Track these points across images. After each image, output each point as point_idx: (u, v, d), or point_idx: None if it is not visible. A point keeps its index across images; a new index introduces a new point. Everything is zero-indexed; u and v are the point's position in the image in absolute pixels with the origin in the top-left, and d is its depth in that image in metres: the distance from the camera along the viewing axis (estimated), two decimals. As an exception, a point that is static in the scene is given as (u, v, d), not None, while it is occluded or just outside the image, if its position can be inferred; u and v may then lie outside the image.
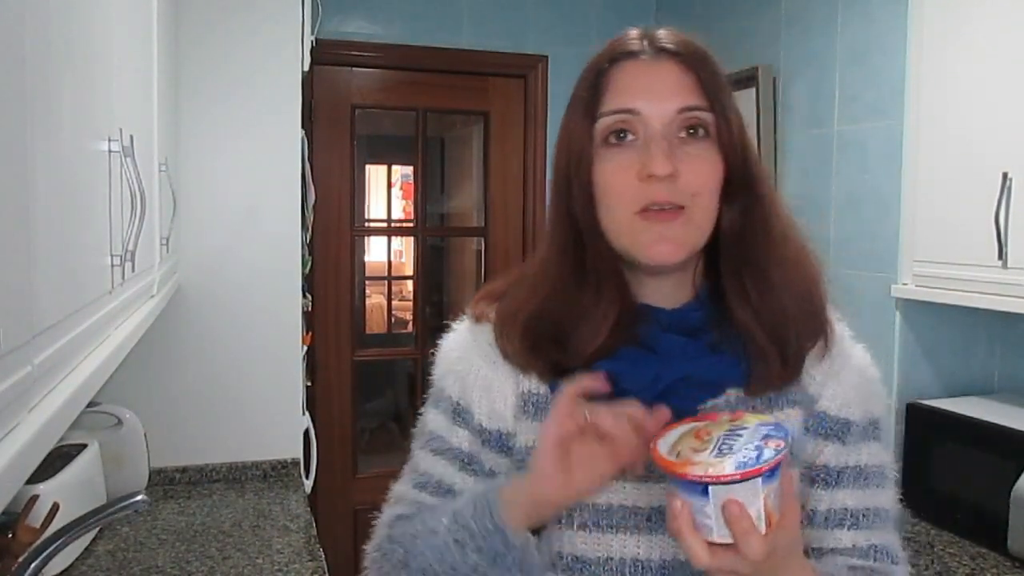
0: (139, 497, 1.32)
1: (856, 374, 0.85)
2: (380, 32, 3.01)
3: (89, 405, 1.20)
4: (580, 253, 0.81)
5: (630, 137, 0.78)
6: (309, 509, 2.05)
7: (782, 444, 0.68)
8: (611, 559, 0.79)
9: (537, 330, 0.82)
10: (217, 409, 2.20)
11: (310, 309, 2.71)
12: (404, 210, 4.00)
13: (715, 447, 0.68)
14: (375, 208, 3.83)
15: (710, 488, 0.65)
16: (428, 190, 3.25)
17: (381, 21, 3.01)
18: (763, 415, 0.73)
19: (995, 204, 1.72)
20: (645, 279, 0.82)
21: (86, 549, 1.73)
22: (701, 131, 0.78)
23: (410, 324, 3.72)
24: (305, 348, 2.45)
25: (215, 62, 2.16)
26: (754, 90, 2.54)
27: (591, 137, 0.79)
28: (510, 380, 0.85)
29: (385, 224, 3.64)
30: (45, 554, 1.26)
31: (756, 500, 0.66)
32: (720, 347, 0.80)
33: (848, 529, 0.82)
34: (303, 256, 2.37)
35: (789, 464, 0.75)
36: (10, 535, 1.42)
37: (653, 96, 0.77)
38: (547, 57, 3.08)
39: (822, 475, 0.82)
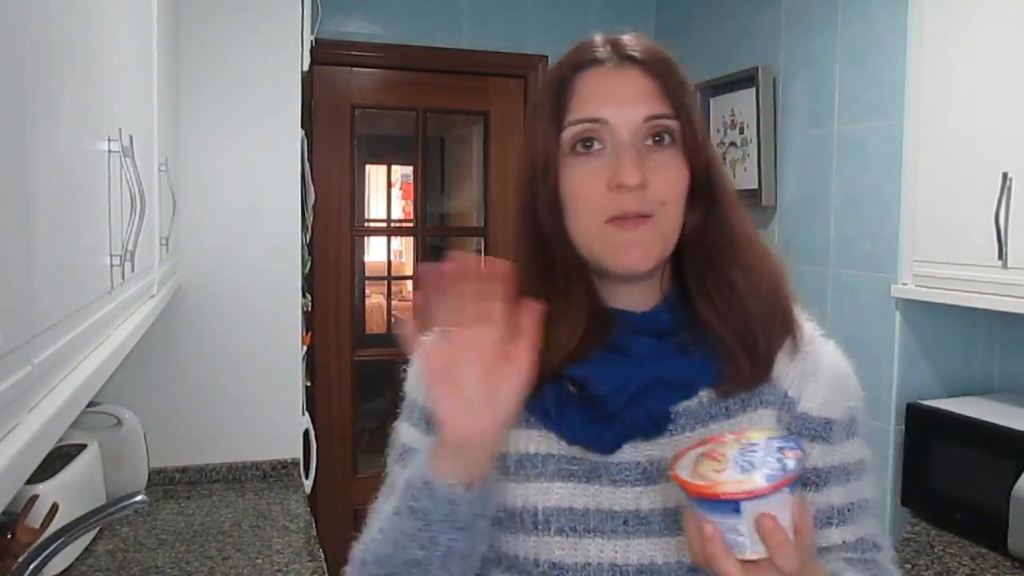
0: (139, 497, 1.32)
1: (831, 372, 0.85)
2: (380, 32, 3.02)
3: (89, 405, 1.20)
4: (546, 261, 0.81)
5: (597, 145, 0.78)
6: (309, 509, 2.05)
7: (800, 453, 0.68)
8: (588, 564, 0.78)
9: None
10: (217, 409, 2.20)
11: (310, 309, 2.71)
12: (404, 210, 4.00)
13: (735, 465, 0.68)
14: (375, 208, 3.84)
15: (743, 504, 0.65)
16: (428, 190, 3.25)
17: (381, 21, 3.01)
18: (767, 430, 0.73)
19: (995, 204, 1.72)
20: (614, 284, 0.82)
21: (86, 549, 1.73)
22: (667, 138, 0.78)
23: (410, 324, 3.69)
24: (305, 348, 2.45)
25: (215, 62, 2.16)
26: (754, 90, 2.54)
27: (557, 146, 0.79)
28: None
29: (385, 224, 3.64)
30: (45, 554, 1.26)
31: (785, 511, 0.66)
32: (690, 348, 0.81)
33: (836, 527, 0.82)
34: (303, 256, 2.37)
35: None
36: (10, 535, 1.42)
37: (620, 104, 0.77)
38: (547, 57, 3.08)
39: (812, 477, 0.82)
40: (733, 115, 2.68)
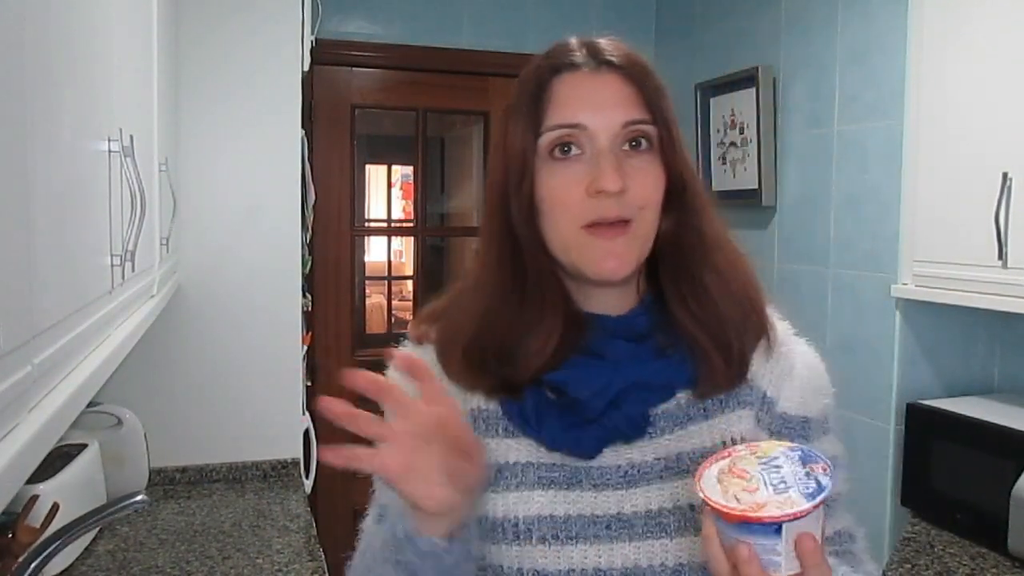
0: (139, 497, 1.32)
1: (806, 370, 0.86)
2: (380, 32, 3.02)
3: (89, 405, 1.20)
4: (519, 266, 0.81)
5: (575, 150, 0.78)
6: (309, 509, 2.06)
7: (827, 466, 0.69)
8: (572, 571, 0.78)
9: (480, 349, 0.81)
10: (217, 409, 2.20)
11: (310, 309, 2.71)
12: (404, 210, 4.00)
13: (766, 484, 0.68)
14: (375, 208, 3.84)
15: (784, 526, 0.65)
16: (428, 190, 3.25)
17: (381, 21, 3.01)
18: (780, 443, 0.73)
19: (995, 204, 1.72)
20: (589, 288, 0.82)
21: (86, 549, 1.74)
22: (644, 143, 0.79)
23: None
24: (305, 348, 2.45)
25: (215, 62, 2.16)
26: (754, 90, 2.54)
27: (534, 150, 0.78)
28: (458, 399, 0.83)
29: (385, 224, 3.64)
30: (45, 554, 1.26)
31: (818, 527, 0.67)
32: (667, 351, 0.81)
33: None
34: (303, 256, 2.37)
35: None
36: (10, 535, 1.42)
37: (598, 110, 0.77)
38: (547, 57, 3.08)
39: None
40: (733, 115, 2.68)
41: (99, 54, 1.04)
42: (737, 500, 0.67)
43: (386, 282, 3.59)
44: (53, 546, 1.27)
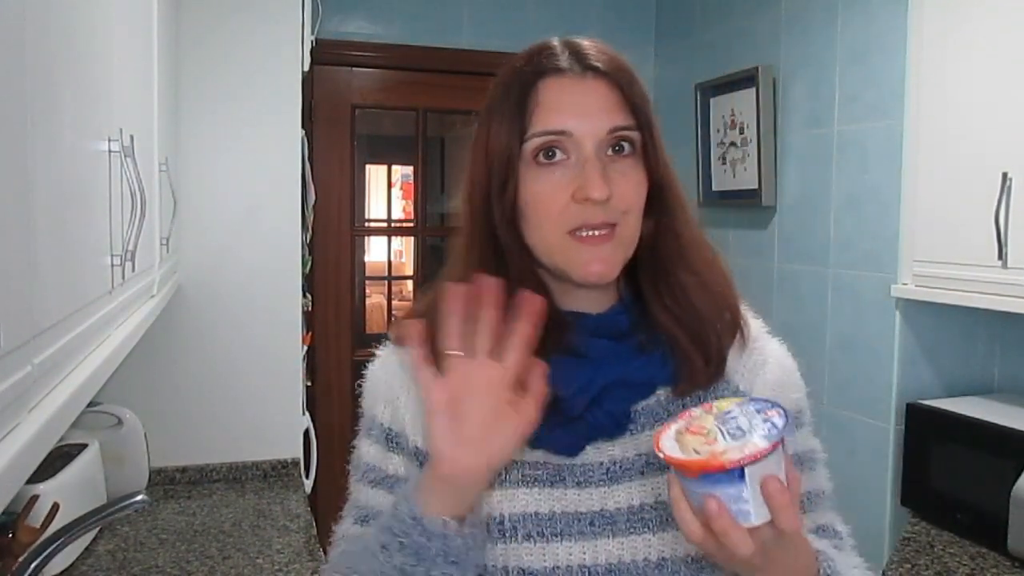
0: (139, 497, 1.32)
1: (778, 367, 0.87)
2: (380, 32, 3.02)
3: (89, 405, 1.20)
4: (501, 269, 0.81)
5: (560, 156, 0.78)
6: (309, 509, 2.06)
7: (781, 411, 0.69)
8: (557, 568, 0.78)
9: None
10: (217, 409, 2.20)
11: (310, 309, 2.71)
12: (404, 210, 4.00)
13: (724, 434, 0.68)
14: (375, 208, 3.84)
15: (747, 470, 0.65)
16: (428, 190, 3.24)
17: (381, 21, 3.01)
18: (733, 398, 0.74)
19: (995, 204, 1.72)
20: (571, 288, 0.83)
21: (86, 549, 1.74)
22: (627, 148, 0.79)
23: (410, 324, 3.68)
24: (305, 348, 2.45)
25: (215, 62, 2.16)
26: (754, 90, 2.54)
27: (519, 155, 0.78)
28: None
29: (385, 224, 3.64)
30: (45, 554, 1.26)
31: (781, 470, 0.67)
32: (647, 348, 0.82)
33: None
34: (303, 256, 2.37)
35: None
36: (10, 535, 1.42)
37: (584, 116, 0.78)
38: (547, 57, 3.08)
39: None
40: (733, 115, 2.68)
41: (99, 54, 1.04)
42: (696, 453, 0.67)
43: (386, 282, 3.59)
44: (53, 546, 1.27)
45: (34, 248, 0.72)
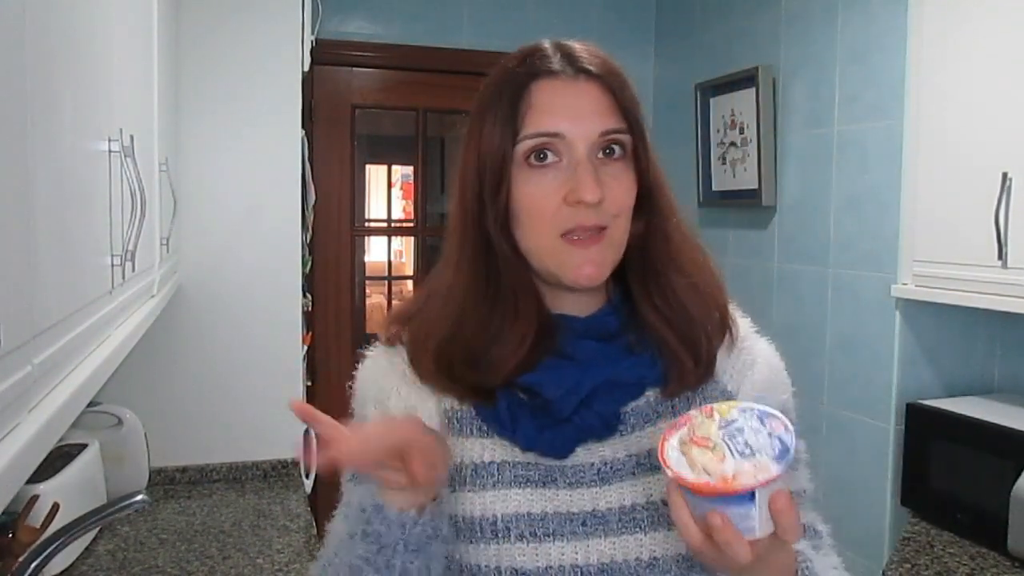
0: (139, 497, 1.32)
1: (766, 366, 0.87)
2: (380, 32, 3.02)
3: (89, 405, 1.20)
4: (491, 271, 0.81)
5: (552, 158, 0.78)
6: (309, 509, 2.06)
7: (785, 422, 0.69)
8: (550, 567, 0.79)
9: (450, 355, 0.82)
10: (217, 409, 2.20)
11: (310, 309, 2.71)
12: (404, 210, 3.99)
13: (732, 451, 0.68)
14: (375, 208, 3.83)
15: (758, 492, 0.65)
16: (428, 190, 3.24)
17: (381, 21, 3.01)
18: (732, 403, 0.73)
19: (995, 204, 1.72)
20: (560, 291, 0.83)
21: (86, 549, 1.74)
22: (618, 151, 0.80)
23: (410, 324, 3.67)
24: (305, 348, 2.45)
25: (215, 62, 2.16)
26: (754, 90, 2.54)
27: (511, 157, 0.79)
28: (431, 399, 0.85)
29: (385, 224, 3.64)
30: (45, 554, 1.26)
31: (787, 485, 0.68)
32: (636, 349, 0.82)
33: None
34: (303, 256, 2.37)
35: None
36: (10, 535, 1.42)
37: (577, 119, 0.78)
38: (547, 57, 3.08)
39: None
40: (733, 115, 2.68)
41: (99, 54, 1.04)
42: (707, 472, 0.67)
43: (386, 282, 3.59)
44: (53, 546, 1.27)
45: (34, 248, 0.72)
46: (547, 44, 0.82)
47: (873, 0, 2.17)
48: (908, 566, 1.72)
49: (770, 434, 0.68)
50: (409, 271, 3.68)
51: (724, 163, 2.76)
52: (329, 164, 3.01)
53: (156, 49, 1.59)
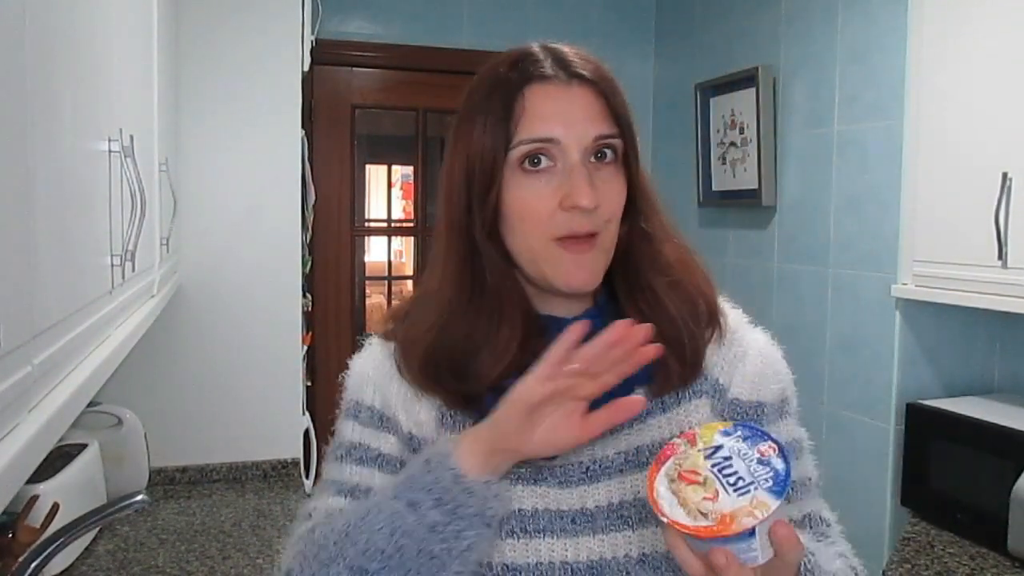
0: (139, 497, 1.32)
1: (759, 357, 0.86)
2: (380, 32, 3.02)
3: (89, 405, 1.20)
4: (477, 277, 0.81)
5: (546, 163, 0.78)
6: (309, 509, 2.05)
7: (775, 446, 0.68)
8: (540, 564, 0.79)
9: (436, 363, 0.82)
10: (217, 409, 2.20)
11: (310, 309, 2.71)
12: (404, 210, 3.99)
13: (725, 487, 0.66)
14: (375, 208, 3.83)
15: (758, 528, 0.65)
16: (428, 190, 3.24)
17: (381, 21, 3.01)
18: (713, 425, 0.73)
19: (995, 204, 1.72)
20: (548, 294, 0.83)
21: (86, 549, 1.74)
22: (609, 155, 0.80)
23: (410, 324, 3.66)
24: (305, 348, 2.45)
25: (215, 62, 2.17)
26: (754, 90, 2.54)
27: (504, 162, 0.78)
28: (421, 400, 0.85)
29: (385, 224, 3.64)
30: (45, 554, 1.26)
31: (786, 511, 0.67)
32: None
33: None
34: (303, 256, 2.37)
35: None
36: (10, 535, 1.42)
37: (571, 124, 0.78)
38: (547, 57, 3.08)
39: None
40: (733, 115, 2.68)
41: (99, 54, 1.04)
42: (703, 515, 0.65)
43: (386, 282, 3.59)
44: (53, 546, 1.27)
45: (34, 248, 0.72)
46: (536, 48, 0.82)
47: (873, 0, 2.17)
48: (908, 566, 1.72)
49: (760, 460, 0.67)
50: (409, 271, 3.68)
51: (724, 163, 2.76)
52: (329, 164, 3.01)
53: (156, 49, 1.59)
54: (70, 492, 1.60)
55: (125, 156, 1.12)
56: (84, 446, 1.78)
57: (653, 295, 0.83)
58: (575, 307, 0.84)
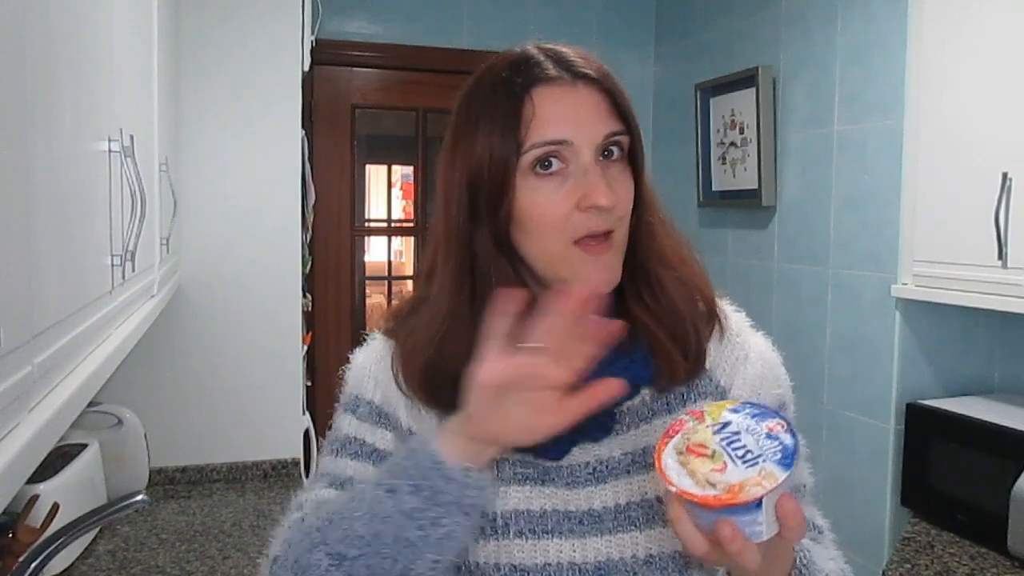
0: (139, 497, 1.32)
1: (759, 360, 0.87)
2: (380, 32, 3.02)
3: (89, 405, 1.20)
4: (475, 286, 0.80)
5: (557, 165, 0.78)
6: (309, 509, 2.05)
7: (782, 423, 0.68)
8: (548, 564, 0.79)
9: (436, 379, 0.81)
10: (217, 409, 2.20)
11: (310, 309, 2.71)
12: (404, 210, 4.00)
13: (732, 459, 0.67)
14: (375, 208, 3.83)
15: (764, 499, 0.65)
16: (428, 190, 3.24)
17: (381, 21, 3.01)
18: (721, 403, 0.73)
19: (995, 204, 1.72)
20: (552, 292, 0.82)
21: (86, 549, 1.74)
22: (617, 152, 0.80)
23: (410, 324, 3.66)
24: (305, 348, 2.45)
25: (215, 62, 2.17)
26: (754, 90, 2.54)
27: (516, 167, 0.78)
28: (420, 404, 0.85)
29: (385, 224, 3.64)
30: (45, 554, 1.26)
31: (788, 484, 0.67)
32: (627, 348, 0.81)
33: None
34: (303, 256, 2.37)
35: None
36: (10, 535, 1.42)
37: (582, 125, 0.78)
38: (547, 57, 3.08)
39: None
40: (733, 115, 2.68)
41: (99, 54, 1.04)
42: (711, 484, 0.66)
43: (386, 282, 3.59)
44: (53, 546, 1.27)
45: (34, 248, 0.72)
46: (535, 50, 0.81)
47: (873, 0, 2.17)
48: (908, 566, 1.72)
49: (768, 435, 0.67)
50: (409, 271, 3.68)
51: (724, 163, 2.76)
52: (329, 164, 3.01)
53: (156, 49, 1.59)
54: (70, 492, 1.60)
55: (125, 156, 1.12)
56: (84, 446, 1.78)
57: (659, 289, 0.82)
58: None
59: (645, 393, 0.83)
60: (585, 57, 0.81)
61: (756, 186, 2.57)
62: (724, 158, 2.76)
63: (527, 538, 0.79)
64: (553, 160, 0.77)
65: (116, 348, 1.09)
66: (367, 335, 0.93)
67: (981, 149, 1.79)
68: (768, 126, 2.53)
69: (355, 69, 3.05)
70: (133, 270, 1.19)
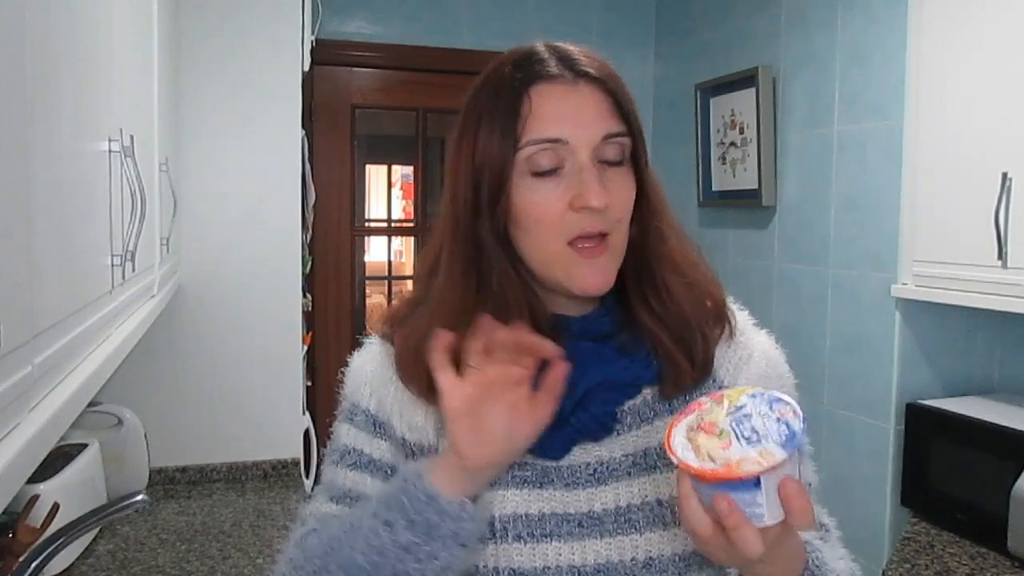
0: (139, 497, 1.32)
1: (763, 359, 0.86)
2: (380, 32, 3.02)
3: (89, 405, 1.20)
4: (481, 281, 0.80)
5: (553, 165, 0.77)
6: (309, 509, 2.05)
7: (795, 409, 0.68)
8: (547, 568, 0.79)
9: None
10: (217, 409, 2.20)
11: (310, 309, 2.71)
12: (404, 210, 4.00)
13: (738, 437, 0.67)
14: (375, 208, 3.83)
15: (763, 478, 0.65)
16: (428, 190, 3.24)
17: (381, 21, 3.01)
18: (743, 388, 0.73)
19: (995, 204, 1.72)
20: (556, 295, 0.83)
21: (86, 549, 1.74)
22: (618, 156, 0.79)
23: (410, 324, 3.66)
24: (305, 348, 2.45)
25: (215, 62, 2.17)
26: (754, 90, 2.54)
27: (512, 165, 0.77)
28: (421, 405, 0.84)
29: (385, 224, 3.64)
30: (45, 554, 1.26)
31: (796, 470, 0.67)
32: (630, 349, 0.82)
33: None
34: (303, 256, 2.37)
35: None
36: (10, 535, 1.42)
37: (580, 124, 0.77)
38: (547, 57, 3.08)
39: None
40: (733, 115, 2.68)
41: (99, 54, 1.05)
42: (712, 459, 0.66)
43: (386, 282, 3.59)
44: (53, 546, 1.27)
45: (34, 248, 0.72)
46: (541, 47, 0.81)
47: (873, 1, 2.17)
48: (908, 566, 1.72)
49: (778, 419, 0.68)
50: (409, 271, 3.69)
51: (724, 163, 2.76)
52: (329, 164, 3.01)
53: (156, 49, 1.60)
54: (70, 492, 1.60)
55: (125, 156, 1.12)
56: (84, 446, 1.78)
57: (666, 293, 0.82)
58: (583, 306, 0.84)
59: (647, 394, 0.83)
60: (590, 56, 0.80)
61: (756, 186, 2.57)
62: (724, 158, 2.76)
63: (525, 542, 0.79)
64: (550, 159, 0.77)
65: (116, 348, 1.09)
66: (364, 338, 0.93)
67: (981, 149, 1.79)
68: (768, 126, 2.53)
69: (355, 69, 3.05)
70: (133, 270, 1.19)
